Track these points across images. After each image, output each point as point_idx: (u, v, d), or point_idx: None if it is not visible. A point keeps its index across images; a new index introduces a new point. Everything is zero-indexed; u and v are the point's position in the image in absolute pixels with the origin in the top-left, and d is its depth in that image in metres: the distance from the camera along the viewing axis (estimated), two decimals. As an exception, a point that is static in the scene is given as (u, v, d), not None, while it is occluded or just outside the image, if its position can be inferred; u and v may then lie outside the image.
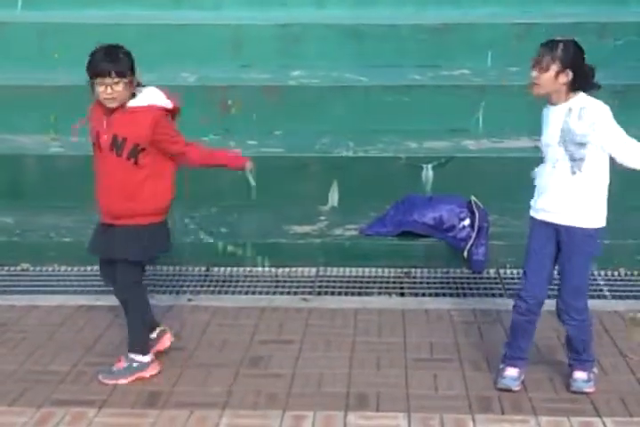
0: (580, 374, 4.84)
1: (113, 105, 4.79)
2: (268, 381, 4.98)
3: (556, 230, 4.74)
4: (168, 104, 4.88)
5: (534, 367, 5.08)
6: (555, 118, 4.65)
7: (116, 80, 4.72)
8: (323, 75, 7.72)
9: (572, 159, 4.61)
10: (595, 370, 4.90)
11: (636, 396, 4.79)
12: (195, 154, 4.94)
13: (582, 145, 4.59)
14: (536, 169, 4.82)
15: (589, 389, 4.82)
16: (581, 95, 4.64)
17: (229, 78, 7.63)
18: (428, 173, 7.14)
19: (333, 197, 7.19)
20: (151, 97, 4.85)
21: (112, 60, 4.74)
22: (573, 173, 4.63)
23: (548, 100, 4.69)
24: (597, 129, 4.58)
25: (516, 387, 4.83)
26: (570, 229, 4.69)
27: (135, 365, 4.97)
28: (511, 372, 4.85)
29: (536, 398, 4.77)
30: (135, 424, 4.52)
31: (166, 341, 5.21)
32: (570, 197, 4.66)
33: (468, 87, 7.56)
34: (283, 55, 7.93)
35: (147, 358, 5.00)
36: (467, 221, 6.70)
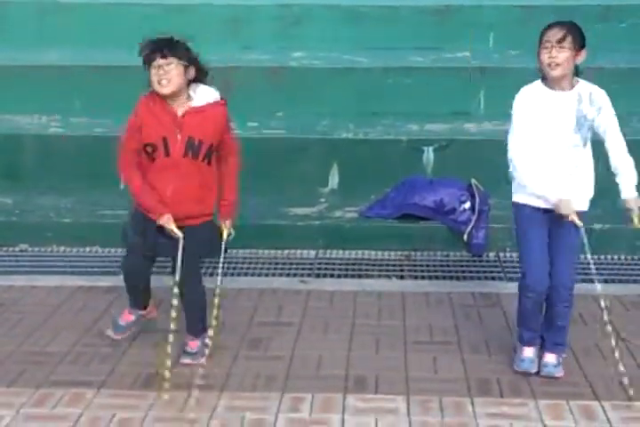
0: (550, 358, 4.85)
1: (167, 90, 4.63)
2: (266, 363, 4.98)
3: (550, 217, 4.73)
4: (222, 99, 4.83)
5: (533, 351, 5.09)
6: (564, 105, 4.62)
7: (168, 61, 4.61)
8: (323, 56, 7.68)
9: (584, 144, 4.66)
10: (564, 355, 4.92)
11: (635, 380, 4.78)
12: (233, 161, 4.94)
13: (589, 128, 4.64)
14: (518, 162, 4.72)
15: (559, 373, 4.83)
16: (582, 81, 4.66)
17: (230, 60, 7.58)
18: (429, 155, 7.12)
19: (333, 180, 7.16)
20: (211, 94, 4.79)
21: (162, 42, 4.66)
22: (581, 155, 4.66)
23: (550, 85, 4.64)
24: (603, 113, 4.63)
25: (534, 369, 4.84)
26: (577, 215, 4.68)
27: (206, 341, 4.97)
28: (528, 353, 4.87)
29: (535, 381, 4.78)
30: (133, 406, 4.52)
31: (154, 311, 5.30)
32: (579, 181, 4.69)
33: (469, 69, 7.52)
34: (283, 37, 7.88)
35: (210, 332, 4.97)
36: (467, 205, 6.68)
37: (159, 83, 4.64)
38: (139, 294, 5.16)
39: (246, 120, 7.37)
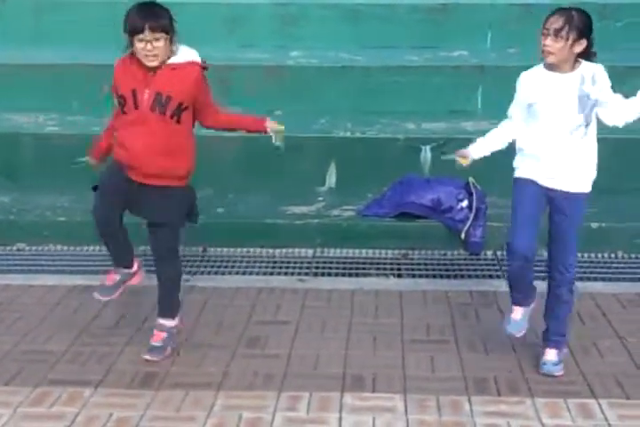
0: (551, 355, 4.86)
1: (154, 63, 4.67)
2: (264, 361, 4.98)
3: (551, 197, 4.75)
4: (203, 61, 4.83)
5: (530, 349, 5.09)
6: (566, 87, 4.65)
7: (156, 36, 4.62)
8: (321, 55, 7.68)
9: (587, 124, 4.68)
10: (565, 350, 4.94)
11: (633, 378, 4.79)
12: (223, 114, 4.95)
13: (592, 107, 4.67)
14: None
15: (559, 372, 4.83)
16: (584, 62, 4.68)
17: (228, 58, 7.58)
18: (427, 154, 7.12)
19: (331, 178, 7.16)
20: (189, 54, 4.79)
21: (151, 15, 4.64)
22: (584, 136, 4.69)
23: (551, 67, 4.66)
24: (603, 89, 4.68)
25: (519, 333, 4.87)
26: (574, 196, 4.73)
27: (173, 331, 5.00)
28: (517, 314, 4.89)
29: (532, 379, 4.78)
30: (131, 404, 4.52)
31: (139, 274, 5.22)
32: (582, 162, 4.72)
33: (466, 68, 7.52)
34: (281, 35, 7.88)
35: (175, 322, 5.02)
36: (464, 203, 6.68)
37: (146, 57, 4.66)
38: (119, 247, 5.06)
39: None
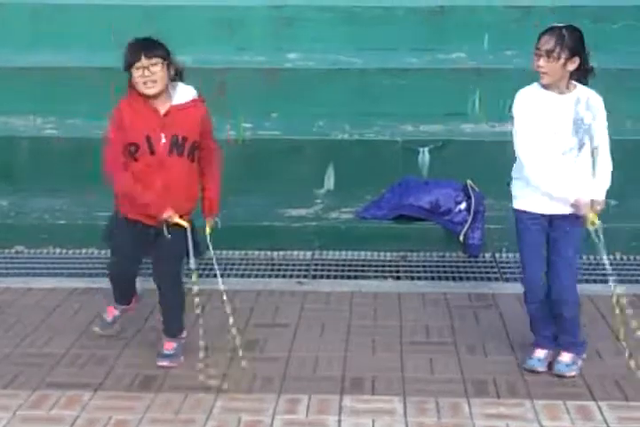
0: (565, 357, 4.86)
1: (153, 91, 4.65)
2: (263, 364, 4.98)
3: (550, 221, 4.74)
4: (200, 95, 4.85)
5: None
6: (563, 108, 4.65)
7: (152, 61, 4.62)
8: (318, 57, 7.69)
9: (580, 147, 4.67)
10: (584, 356, 4.92)
11: (632, 380, 4.79)
12: (216, 159, 4.97)
13: (586, 132, 4.65)
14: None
15: (570, 372, 4.83)
16: (579, 85, 4.68)
17: (225, 61, 7.59)
18: (425, 156, 7.13)
19: (329, 181, 7.17)
20: (190, 91, 4.80)
21: (145, 44, 4.67)
22: (576, 158, 4.68)
23: (547, 87, 4.65)
24: (597, 118, 4.67)
25: (540, 368, 4.86)
26: (571, 217, 4.71)
27: (182, 341, 5.06)
28: (539, 353, 4.89)
29: (532, 381, 4.77)
30: (130, 407, 4.52)
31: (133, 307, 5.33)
32: (576, 183, 4.68)
33: (464, 70, 7.53)
34: (278, 38, 7.89)
35: (185, 333, 5.10)
36: (463, 205, 6.69)
37: (145, 84, 4.65)
38: (125, 291, 5.17)
39: (241, 121, 7.38)
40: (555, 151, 4.65)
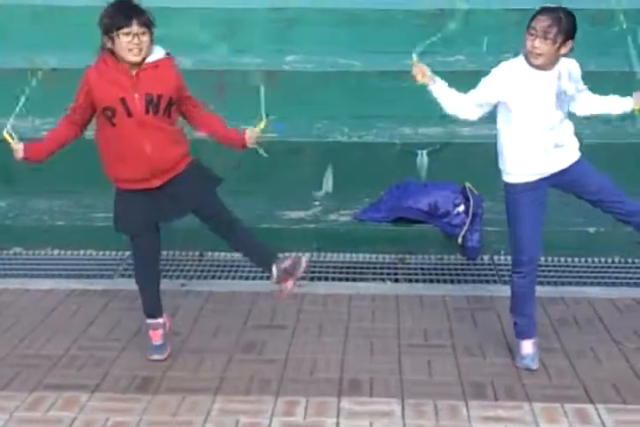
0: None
1: (138, 58, 4.65)
2: (261, 366, 4.97)
3: (553, 180, 4.78)
4: (168, 53, 4.85)
5: (528, 354, 5.09)
6: (545, 84, 4.64)
7: (143, 30, 4.63)
8: (317, 60, 7.69)
9: (563, 119, 4.72)
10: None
11: (630, 383, 4.79)
12: (205, 112, 4.96)
13: (568, 102, 4.72)
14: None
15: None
16: (561, 59, 4.68)
17: (224, 63, 7.59)
18: (423, 158, 7.13)
19: (328, 183, 7.17)
20: (159, 51, 4.79)
21: (135, 10, 4.66)
22: (563, 130, 4.73)
23: (533, 65, 4.63)
24: (579, 83, 4.77)
25: (535, 366, 4.90)
26: (574, 165, 4.78)
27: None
28: (527, 348, 4.92)
29: (530, 384, 4.77)
30: (127, 409, 4.51)
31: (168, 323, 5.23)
32: (564, 142, 4.74)
33: (463, 73, 7.52)
34: (277, 40, 7.88)
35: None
36: (461, 208, 6.68)
37: (131, 51, 4.64)
38: (155, 292, 5.07)
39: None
40: (542, 127, 4.67)
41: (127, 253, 6.52)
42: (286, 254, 5.06)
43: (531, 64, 4.64)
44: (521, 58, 4.69)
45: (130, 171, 4.79)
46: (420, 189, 6.86)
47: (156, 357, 5.00)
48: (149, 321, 5.06)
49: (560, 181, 4.80)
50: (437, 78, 4.86)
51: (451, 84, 7.54)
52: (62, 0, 8.12)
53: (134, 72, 4.70)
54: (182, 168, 4.87)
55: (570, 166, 4.79)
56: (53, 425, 4.37)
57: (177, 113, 4.88)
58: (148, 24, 4.67)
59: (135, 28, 4.62)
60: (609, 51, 7.38)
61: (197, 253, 6.67)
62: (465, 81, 7.43)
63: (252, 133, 5.00)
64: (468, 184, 6.78)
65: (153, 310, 5.07)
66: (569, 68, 4.69)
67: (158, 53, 4.79)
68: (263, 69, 7.57)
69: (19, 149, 4.87)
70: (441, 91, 4.85)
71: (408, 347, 5.23)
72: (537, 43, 4.54)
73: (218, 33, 7.82)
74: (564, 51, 4.60)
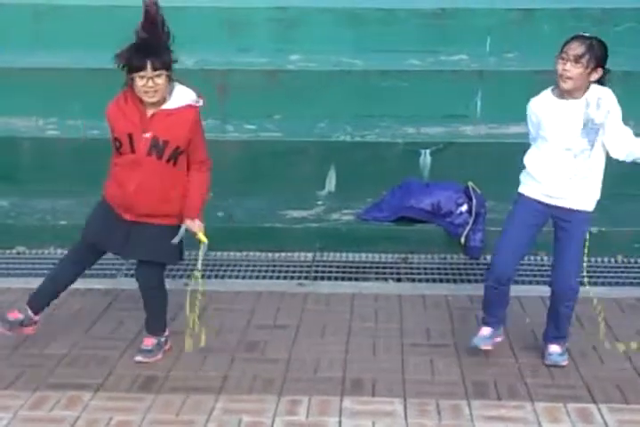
0: (555, 348, 4.98)
1: (154, 99, 4.65)
2: (263, 366, 4.98)
3: (554, 216, 4.86)
4: (200, 103, 4.81)
5: (530, 353, 5.10)
6: (572, 111, 4.72)
7: (157, 73, 4.61)
8: (320, 59, 7.69)
9: (592, 147, 4.74)
10: (566, 344, 5.06)
11: (632, 383, 4.79)
12: (199, 175, 4.89)
13: (597, 131, 4.72)
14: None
15: (565, 362, 4.96)
16: (593, 86, 4.74)
17: (227, 62, 7.59)
18: (426, 158, 7.13)
19: (330, 182, 7.17)
20: (186, 96, 4.77)
21: (153, 52, 4.62)
22: (588, 159, 4.75)
23: (558, 94, 4.72)
24: (610, 116, 4.73)
25: (484, 346, 5.01)
26: (576, 214, 4.82)
27: (162, 340, 5.09)
28: (484, 331, 5.04)
29: (532, 384, 4.78)
30: (130, 408, 4.52)
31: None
32: (586, 182, 4.79)
33: (466, 73, 7.53)
34: (280, 39, 7.88)
35: (165, 334, 5.13)
36: (464, 207, 6.69)
37: (146, 93, 4.65)
38: (50, 293, 5.08)
39: (243, 123, 7.38)
40: (566, 153, 4.74)
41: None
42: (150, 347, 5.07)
43: (559, 91, 4.72)
44: (548, 90, 4.80)
45: (113, 195, 4.88)
46: (422, 188, 6.86)
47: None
48: (26, 312, 5.04)
49: (556, 216, 4.86)
50: None
51: (452, 84, 7.59)
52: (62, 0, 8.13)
53: (150, 113, 4.71)
54: (161, 224, 4.85)
55: (574, 212, 4.82)
56: (57, 424, 4.38)
57: (185, 165, 4.84)
58: (164, 66, 4.63)
59: (149, 71, 4.60)
60: (613, 50, 7.38)
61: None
62: (467, 80, 7.48)
63: (189, 226, 4.92)
64: (470, 184, 6.79)
65: (37, 303, 5.07)
66: (600, 96, 4.73)
67: (183, 99, 4.76)
68: (266, 69, 7.58)
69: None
70: None
71: (411, 346, 5.23)
72: (568, 66, 4.62)
73: (221, 32, 7.82)
74: (594, 77, 4.67)
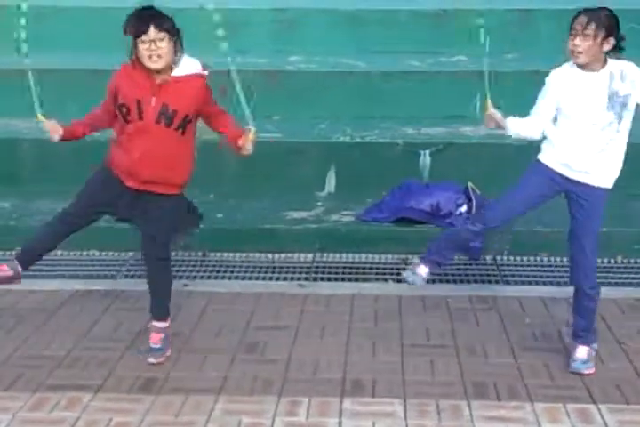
0: (581, 352, 4.90)
1: (158, 65, 4.65)
2: (263, 366, 4.98)
3: (571, 192, 4.79)
4: (205, 72, 4.85)
5: (530, 354, 5.10)
6: (596, 85, 4.66)
7: (160, 36, 4.62)
8: (320, 60, 7.70)
9: (619, 120, 4.70)
10: (595, 346, 4.96)
11: (632, 383, 4.79)
12: (227, 117, 4.97)
13: (625, 105, 4.68)
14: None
15: (588, 370, 4.87)
16: (612, 60, 4.69)
17: (227, 63, 7.59)
18: (426, 159, 7.13)
19: (330, 183, 7.17)
20: (192, 65, 4.79)
21: (154, 16, 4.66)
22: (617, 133, 4.72)
23: (581, 66, 4.66)
24: (637, 86, 4.68)
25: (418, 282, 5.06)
26: (596, 190, 4.77)
27: (168, 331, 5.08)
28: (422, 270, 5.07)
29: (532, 384, 4.78)
30: (130, 409, 4.52)
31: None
32: (612, 157, 4.75)
33: (465, 73, 7.53)
34: (280, 40, 7.90)
35: (167, 323, 5.11)
36: (464, 208, 6.69)
37: (150, 58, 4.65)
38: (42, 246, 5.11)
39: (243, 124, 7.38)
40: (593, 127, 4.68)
41: (130, 253, 6.54)
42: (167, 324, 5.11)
43: (578, 66, 4.68)
44: (568, 64, 4.75)
45: (119, 161, 4.87)
46: (422, 189, 6.86)
47: None
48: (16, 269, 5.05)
49: (573, 192, 4.81)
50: (506, 120, 4.91)
51: (452, 85, 7.60)
52: (68, 1, 8.15)
53: (158, 80, 4.72)
54: (166, 194, 4.88)
55: (595, 189, 4.78)
56: (56, 426, 4.38)
57: (193, 134, 4.87)
58: (167, 30, 4.65)
59: (152, 34, 4.62)
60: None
61: (200, 254, 6.68)
62: (466, 81, 7.48)
63: (243, 143, 4.91)
64: (470, 184, 6.79)
65: (25, 258, 5.07)
66: (622, 69, 4.69)
67: (190, 67, 4.79)
68: (266, 70, 7.59)
69: (55, 128, 4.92)
70: (515, 127, 4.91)
71: (410, 347, 5.23)
72: (577, 41, 4.59)
73: (221, 33, 7.83)
74: (606, 47, 4.62)
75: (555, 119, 4.79)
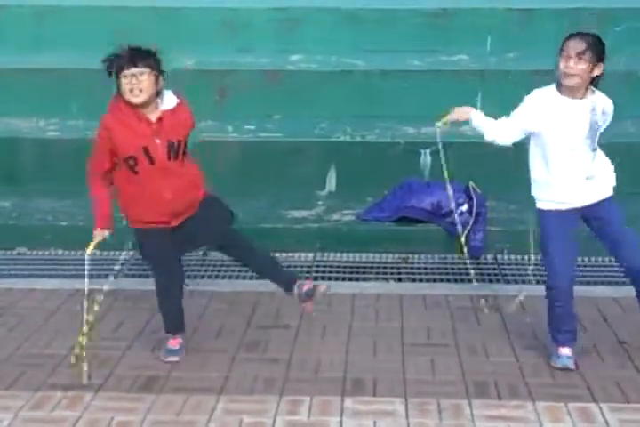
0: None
1: (139, 99, 4.67)
2: (264, 366, 4.98)
3: (584, 214, 4.84)
4: (182, 99, 4.90)
5: (531, 353, 5.10)
6: (578, 114, 4.74)
7: (140, 70, 4.65)
8: (321, 59, 7.68)
9: (594, 142, 4.78)
10: None
11: (634, 382, 4.80)
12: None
13: (599, 132, 4.80)
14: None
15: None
16: (597, 91, 4.77)
17: (227, 63, 7.59)
18: (427, 158, 7.13)
19: (331, 182, 7.17)
20: (172, 97, 4.83)
21: (135, 53, 4.69)
22: (594, 150, 4.79)
23: (564, 91, 4.72)
24: (608, 121, 4.84)
25: (572, 366, 4.93)
26: (603, 201, 4.84)
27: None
28: (565, 351, 4.94)
29: (533, 383, 4.78)
30: (131, 409, 4.52)
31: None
32: (600, 170, 4.83)
33: (466, 73, 7.53)
34: (280, 40, 7.88)
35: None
36: (464, 207, 6.69)
37: (131, 91, 4.66)
38: (177, 310, 5.11)
39: (243, 123, 7.38)
40: (572, 153, 4.75)
41: (131, 253, 6.55)
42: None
43: (564, 89, 4.72)
44: (552, 86, 4.79)
45: (150, 214, 4.87)
46: (423, 188, 6.86)
47: (170, 359, 5.03)
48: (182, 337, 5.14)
49: (589, 214, 4.87)
50: (473, 110, 5.07)
51: (453, 84, 7.58)
52: (62, 0, 8.13)
53: (154, 118, 4.74)
54: (197, 206, 4.97)
55: (600, 202, 4.85)
56: (58, 424, 4.38)
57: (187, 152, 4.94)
58: (147, 65, 4.68)
59: (132, 68, 4.65)
60: (613, 50, 7.37)
61: (201, 253, 6.68)
62: (467, 80, 7.47)
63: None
64: (471, 183, 6.79)
65: (175, 328, 5.11)
66: (605, 105, 4.79)
67: (171, 99, 4.83)
68: (267, 69, 7.58)
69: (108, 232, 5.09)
70: (479, 120, 5.05)
71: (411, 346, 5.23)
72: (571, 63, 4.64)
73: (221, 33, 7.83)
74: (596, 72, 4.69)
75: (537, 149, 4.84)
